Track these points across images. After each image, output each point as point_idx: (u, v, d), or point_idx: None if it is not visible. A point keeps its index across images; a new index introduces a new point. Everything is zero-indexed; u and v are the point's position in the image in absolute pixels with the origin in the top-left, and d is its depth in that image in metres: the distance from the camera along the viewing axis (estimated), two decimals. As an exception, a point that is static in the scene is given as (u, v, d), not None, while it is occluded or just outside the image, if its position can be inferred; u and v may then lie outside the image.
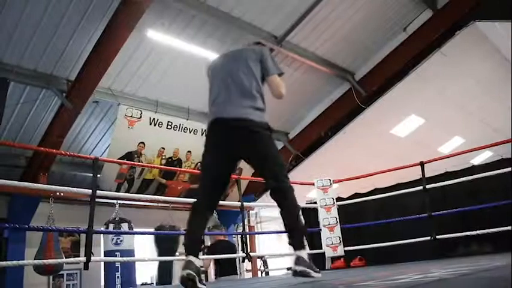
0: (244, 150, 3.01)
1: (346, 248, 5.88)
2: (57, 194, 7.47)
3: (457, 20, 9.11)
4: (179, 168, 9.55)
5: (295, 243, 2.87)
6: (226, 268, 6.71)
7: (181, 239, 9.24)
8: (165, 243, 8.43)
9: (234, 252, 7.05)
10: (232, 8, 7.68)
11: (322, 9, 8.25)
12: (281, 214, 2.99)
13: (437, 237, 5.09)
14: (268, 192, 2.98)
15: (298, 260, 2.75)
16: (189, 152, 9.85)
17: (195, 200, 3.06)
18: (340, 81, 10.58)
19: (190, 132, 9.48)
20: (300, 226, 3.01)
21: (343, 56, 9.97)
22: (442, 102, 11.56)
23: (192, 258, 2.73)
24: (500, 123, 11.71)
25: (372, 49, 10.04)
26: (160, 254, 8.45)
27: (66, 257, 8.09)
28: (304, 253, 2.81)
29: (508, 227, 4.38)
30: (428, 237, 5.14)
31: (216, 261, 6.65)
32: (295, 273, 2.74)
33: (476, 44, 9.79)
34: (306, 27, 8.62)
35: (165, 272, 8.68)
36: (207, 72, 3.39)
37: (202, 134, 9.67)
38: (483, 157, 13.34)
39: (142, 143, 8.98)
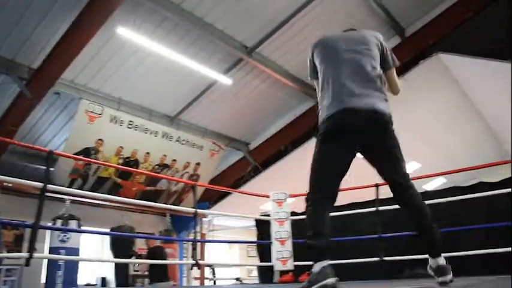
0: (373, 143, 2.73)
1: (297, 263, 5.90)
2: (6, 184, 7.19)
3: (422, 50, 9.39)
4: (137, 170, 9.40)
5: (433, 249, 2.62)
6: (160, 274, 6.64)
7: (138, 241, 9.15)
8: (122, 245, 8.26)
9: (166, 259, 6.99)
10: (206, 13, 7.68)
11: (295, 23, 8.36)
12: (411, 216, 2.69)
13: (385, 258, 5.18)
14: (393, 192, 2.73)
15: (439, 269, 2.55)
16: (148, 153, 9.72)
17: (314, 196, 2.69)
18: (305, 97, 10.70)
19: (151, 133, 9.37)
20: (436, 229, 2.65)
21: (310, 73, 10.09)
22: (401, 127, 11.82)
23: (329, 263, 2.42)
24: (454, 152, 12.11)
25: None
26: (116, 255, 8.26)
27: (7, 251, 7.78)
28: (442, 260, 2.57)
29: (453, 253, 4.51)
30: (377, 258, 5.22)
31: (150, 266, 6.56)
32: (444, 284, 2.51)
33: (437, 75, 10.12)
34: (277, 41, 8.70)
35: (121, 273, 8.50)
36: (314, 51, 3.00)
37: (163, 137, 9.58)
38: (436, 183, 13.74)
39: (101, 140, 8.80)
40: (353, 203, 6.63)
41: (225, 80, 9.00)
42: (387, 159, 2.78)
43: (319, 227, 2.59)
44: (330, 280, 2.35)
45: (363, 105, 2.61)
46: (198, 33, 7.93)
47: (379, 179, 5.78)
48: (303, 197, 6.57)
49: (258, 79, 9.65)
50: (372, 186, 5.63)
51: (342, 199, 6.72)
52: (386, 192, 5.86)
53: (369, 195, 6.03)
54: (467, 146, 13.09)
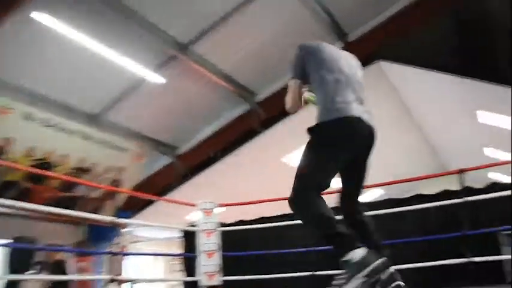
0: (363, 157, 2.83)
1: (225, 278, 5.80)
2: None
3: (363, 56, 9.63)
4: (50, 173, 8.92)
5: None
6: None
7: (39, 254, 8.65)
8: (19, 257, 7.79)
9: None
10: (139, 5, 7.45)
11: (232, 23, 8.32)
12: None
13: (316, 273, 5.20)
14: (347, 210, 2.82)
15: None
16: (65, 155, 9.28)
17: (312, 193, 2.62)
18: (240, 101, 10.68)
19: (69, 133, 8.96)
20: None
21: (247, 75, 10.10)
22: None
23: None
24: (392, 162, 12.53)
25: (277, 73, 10.26)
26: (12, 267, 7.78)
27: None
28: (350, 256, 2.40)
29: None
30: (308, 273, 5.24)
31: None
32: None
33: (377, 83, 10.44)
34: (214, 39, 8.60)
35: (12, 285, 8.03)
36: (314, 52, 2.95)
37: (82, 137, 9.22)
38: (374, 195, 14.16)
39: (9, 138, 8.30)
40: (285, 214, 6.66)
41: (156, 78, 8.78)
42: (362, 176, 2.89)
43: (335, 216, 2.55)
44: (381, 260, 2.34)
45: (368, 121, 2.75)
46: (129, 25, 7.66)
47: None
48: (233, 207, 6.51)
49: (192, 79, 9.50)
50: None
51: (274, 209, 6.77)
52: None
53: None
54: (405, 157, 13.62)
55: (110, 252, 5.53)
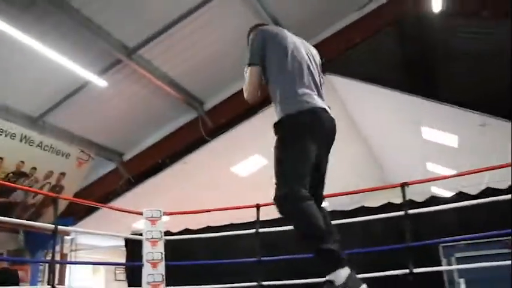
0: (326, 150, 2.85)
1: (169, 288, 5.76)
2: None
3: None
4: None
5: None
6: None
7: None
8: None
9: (17, 284, 6.45)
10: (84, 4, 7.27)
11: (182, 29, 8.28)
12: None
13: (263, 283, 5.25)
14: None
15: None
16: (1, 158, 8.97)
17: (298, 187, 2.51)
18: (187, 108, 10.65)
19: (6, 135, 8.67)
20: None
21: (195, 83, 10.09)
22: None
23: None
24: (337, 174, 12.76)
25: (226, 81, 10.32)
26: None
27: None
28: (334, 276, 2.38)
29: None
30: (255, 283, 5.27)
31: None
32: None
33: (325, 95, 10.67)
34: (161, 45, 8.54)
35: None
36: (269, 37, 2.86)
37: (21, 140, 8.94)
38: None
39: None
40: (232, 224, 6.69)
41: (100, 82, 8.62)
42: (325, 165, 2.89)
43: (326, 228, 2.52)
44: (364, 287, 2.34)
45: (327, 109, 2.81)
46: (72, 25, 7.47)
47: (260, 199, 5.88)
48: (179, 216, 6.49)
49: (138, 84, 9.39)
50: (252, 207, 5.71)
51: (220, 218, 6.79)
52: (267, 213, 6.01)
53: (249, 216, 6.12)
54: (350, 169, 13.93)
55: (49, 261, 5.38)
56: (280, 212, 2.58)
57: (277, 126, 2.72)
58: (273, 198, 2.58)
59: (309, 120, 2.67)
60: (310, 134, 2.66)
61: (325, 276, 2.44)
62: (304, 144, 2.63)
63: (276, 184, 2.60)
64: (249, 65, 2.83)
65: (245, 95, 2.90)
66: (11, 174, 9.36)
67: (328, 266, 2.44)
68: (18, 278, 6.46)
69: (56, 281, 5.20)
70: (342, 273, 2.38)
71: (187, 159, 11.16)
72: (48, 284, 4.91)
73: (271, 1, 8.45)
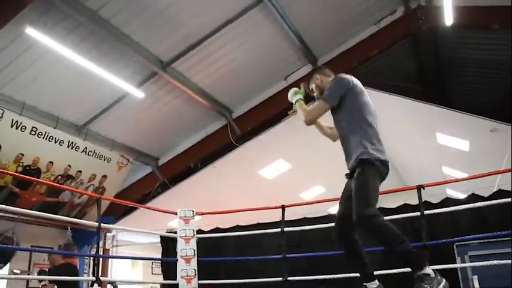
0: None
1: (201, 282, 5.80)
2: None
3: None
4: (37, 179, 8.78)
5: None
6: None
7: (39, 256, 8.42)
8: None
9: (78, 275, 6.54)
10: (124, 23, 7.42)
11: (212, 43, 8.36)
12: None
13: (289, 278, 5.24)
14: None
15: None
16: (51, 162, 9.17)
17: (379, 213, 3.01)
18: (217, 116, 10.71)
19: (55, 142, 8.88)
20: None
21: (224, 93, 10.15)
22: (308, 152, 12.22)
23: None
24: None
25: (253, 91, 10.37)
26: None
27: None
28: (427, 270, 2.83)
29: (349, 274, 4.67)
30: (280, 278, 5.27)
31: (58, 285, 6.11)
32: None
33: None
34: (193, 58, 8.64)
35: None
36: (353, 85, 3.28)
37: (68, 146, 9.13)
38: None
39: (-1, 145, 8.16)
40: (259, 223, 6.69)
41: (137, 93, 8.75)
42: None
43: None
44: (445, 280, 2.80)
45: None
46: (113, 43, 7.64)
47: (284, 201, 5.88)
48: (210, 215, 6.52)
49: (171, 95, 9.50)
50: (277, 208, 5.71)
51: (248, 219, 6.81)
52: (291, 213, 6.00)
53: (274, 216, 6.11)
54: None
55: (94, 255, 5.47)
56: (368, 226, 2.95)
57: (366, 163, 3.08)
58: (357, 216, 2.94)
59: (383, 169, 3.14)
60: (380, 178, 3.14)
61: (350, 273, 2.81)
62: (377, 182, 3.10)
63: (359, 204, 2.97)
64: (325, 100, 3.26)
65: (305, 118, 3.32)
66: (60, 177, 9.55)
67: (419, 263, 2.86)
68: (78, 270, 6.58)
69: (100, 273, 5.28)
70: (429, 269, 2.84)
71: (217, 164, 11.21)
72: (93, 276, 4.99)
73: (294, 18, 8.44)
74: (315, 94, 3.51)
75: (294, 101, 3.47)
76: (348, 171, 3.27)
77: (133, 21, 7.46)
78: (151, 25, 7.64)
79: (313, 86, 3.51)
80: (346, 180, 3.36)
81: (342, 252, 3.27)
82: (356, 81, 3.31)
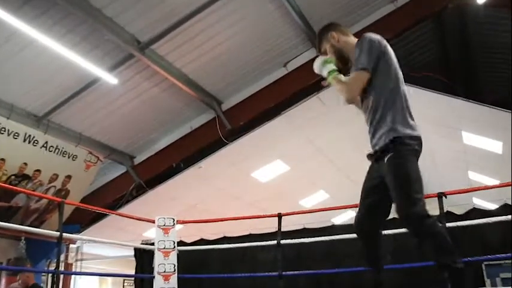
0: None
1: (181, 303, 5.78)
2: None
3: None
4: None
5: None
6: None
7: None
8: None
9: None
10: (93, -6, 7.35)
11: (199, 21, 8.29)
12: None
13: (285, 299, 5.24)
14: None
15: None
16: (2, 160, 9.11)
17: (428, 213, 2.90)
18: (204, 108, 10.68)
19: (8, 135, 8.83)
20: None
21: (213, 81, 10.11)
22: (310, 152, 12.22)
23: None
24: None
25: (246, 79, 10.34)
26: None
27: None
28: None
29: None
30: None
31: None
32: None
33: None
34: (177, 39, 8.57)
35: None
36: (386, 49, 3.19)
37: (25, 141, 9.07)
38: (346, 217, 14.28)
39: None
40: (251, 234, 6.68)
41: (110, 79, 8.69)
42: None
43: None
44: None
45: None
46: (81, 18, 7.54)
47: (281, 208, 5.86)
48: (194, 224, 6.48)
49: (150, 81, 9.45)
50: (273, 216, 5.69)
51: (238, 228, 6.79)
52: (288, 223, 5.98)
53: (269, 226, 6.10)
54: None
55: (53, 271, 5.43)
56: (418, 231, 2.88)
57: (401, 143, 3.01)
58: (404, 216, 2.88)
59: (418, 146, 3.09)
60: (417, 157, 3.08)
61: None
62: (417, 165, 3.04)
63: (408, 201, 2.87)
64: (362, 69, 3.10)
65: (347, 96, 3.17)
66: (13, 177, 9.48)
67: (461, 285, 2.79)
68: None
69: (61, 293, 5.24)
70: None
71: (203, 164, 11.18)
72: (51, 296, 4.96)
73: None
74: (328, 56, 3.39)
75: (325, 73, 3.34)
76: (371, 151, 3.22)
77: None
78: (126, -1, 7.59)
79: (327, 46, 3.42)
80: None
81: (348, 270, 3.30)
82: (385, 42, 3.24)
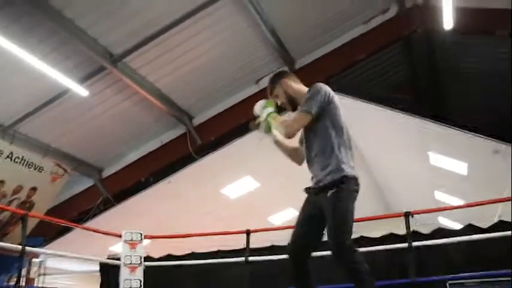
0: None
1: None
2: None
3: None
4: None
5: None
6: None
7: None
8: None
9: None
10: (65, 6, 7.27)
11: (173, 36, 8.31)
12: None
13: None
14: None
15: None
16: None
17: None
18: (175, 123, 10.65)
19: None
20: None
21: (185, 96, 10.11)
22: (280, 169, 12.17)
23: None
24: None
25: (218, 95, 10.36)
26: None
27: None
28: None
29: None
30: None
31: None
32: None
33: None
34: (150, 53, 8.57)
35: None
36: (332, 98, 3.44)
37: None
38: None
39: None
40: (220, 251, 6.64)
41: (81, 90, 8.61)
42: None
43: None
44: None
45: None
46: (52, 28, 7.49)
47: (250, 225, 5.85)
48: (161, 240, 6.43)
49: (121, 95, 9.39)
50: (241, 233, 5.69)
51: (207, 244, 6.75)
52: (258, 240, 5.97)
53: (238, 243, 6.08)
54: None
55: (11, 287, 5.31)
56: (344, 259, 3.10)
57: (340, 182, 3.23)
58: (337, 243, 3.11)
59: (357, 187, 3.32)
60: (355, 198, 3.30)
61: None
62: (353, 205, 3.26)
63: (337, 234, 3.13)
64: (306, 112, 3.34)
65: (286, 130, 3.39)
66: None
67: None
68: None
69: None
70: None
71: (173, 179, 11.11)
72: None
73: (271, 12, 8.50)
74: (279, 102, 3.63)
75: (264, 115, 3.58)
76: (311, 186, 3.47)
77: (77, 3, 7.33)
78: (100, 10, 7.55)
79: (279, 91, 3.64)
80: None
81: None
82: (333, 93, 3.49)
